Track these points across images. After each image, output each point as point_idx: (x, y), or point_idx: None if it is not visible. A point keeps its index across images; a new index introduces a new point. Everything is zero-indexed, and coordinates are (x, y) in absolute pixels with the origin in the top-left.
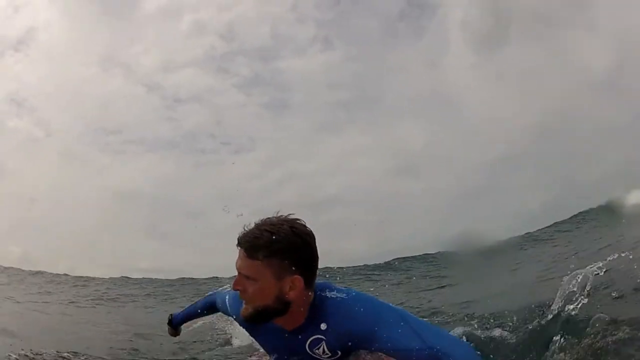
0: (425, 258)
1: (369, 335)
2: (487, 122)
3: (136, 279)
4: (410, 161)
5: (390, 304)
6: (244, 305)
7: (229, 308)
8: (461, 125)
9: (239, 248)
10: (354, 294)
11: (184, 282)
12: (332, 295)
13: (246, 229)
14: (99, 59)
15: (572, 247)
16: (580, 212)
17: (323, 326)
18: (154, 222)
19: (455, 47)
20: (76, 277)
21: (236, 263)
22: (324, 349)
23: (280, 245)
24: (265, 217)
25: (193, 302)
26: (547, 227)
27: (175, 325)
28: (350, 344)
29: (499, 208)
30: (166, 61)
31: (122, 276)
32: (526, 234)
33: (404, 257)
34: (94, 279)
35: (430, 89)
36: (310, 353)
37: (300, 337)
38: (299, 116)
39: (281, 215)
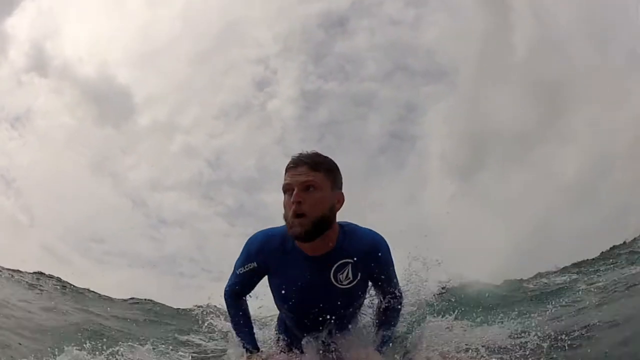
0: None
1: (375, 256)
2: (468, 249)
3: None
4: None
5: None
6: (298, 224)
7: (252, 257)
8: (441, 256)
9: (296, 166)
10: (361, 225)
11: None
12: (351, 227)
13: (294, 156)
14: (89, 162)
15: None
16: None
17: (349, 251)
18: None
19: (434, 178)
20: None
21: (292, 181)
22: (347, 274)
23: (333, 165)
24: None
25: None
26: None
27: (253, 349)
28: (369, 266)
29: None
30: (154, 180)
31: None
32: None
33: None
34: None
35: (409, 222)
36: (333, 280)
37: (326, 263)
38: None
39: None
